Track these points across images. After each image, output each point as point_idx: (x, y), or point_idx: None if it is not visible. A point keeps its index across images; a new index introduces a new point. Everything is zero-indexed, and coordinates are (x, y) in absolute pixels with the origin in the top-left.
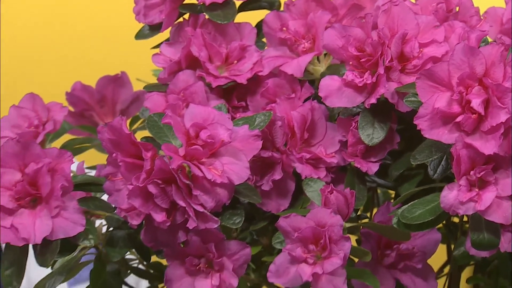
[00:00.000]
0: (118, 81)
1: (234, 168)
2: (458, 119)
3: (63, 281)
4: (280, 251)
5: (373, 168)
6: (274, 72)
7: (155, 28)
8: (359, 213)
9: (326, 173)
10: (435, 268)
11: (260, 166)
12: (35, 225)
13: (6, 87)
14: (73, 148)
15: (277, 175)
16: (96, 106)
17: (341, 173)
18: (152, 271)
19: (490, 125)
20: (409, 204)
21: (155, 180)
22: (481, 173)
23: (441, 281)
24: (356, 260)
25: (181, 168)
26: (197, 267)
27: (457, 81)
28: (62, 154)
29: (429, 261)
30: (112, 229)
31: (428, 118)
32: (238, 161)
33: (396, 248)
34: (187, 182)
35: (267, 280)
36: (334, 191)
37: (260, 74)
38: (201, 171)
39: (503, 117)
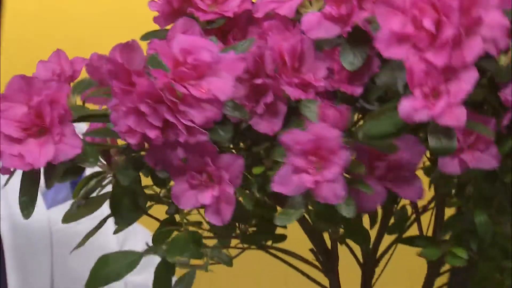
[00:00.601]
0: (130, 47)
1: (219, 86)
2: (412, 38)
3: (88, 214)
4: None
5: (358, 90)
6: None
7: None
8: None
9: (315, 97)
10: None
11: (254, 93)
12: (40, 152)
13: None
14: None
15: (269, 98)
16: None
17: (329, 100)
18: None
19: (440, 41)
20: (372, 120)
21: (146, 100)
22: (434, 84)
23: (428, 214)
24: None
25: (169, 89)
26: (199, 181)
27: (411, 4)
28: (60, 86)
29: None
30: (125, 157)
31: (385, 39)
32: (223, 79)
33: (386, 159)
34: (173, 99)
35: (269, 198)
36: (330, 107)
37: (256, 16)
38: (186, 88)
39: (450, 32)
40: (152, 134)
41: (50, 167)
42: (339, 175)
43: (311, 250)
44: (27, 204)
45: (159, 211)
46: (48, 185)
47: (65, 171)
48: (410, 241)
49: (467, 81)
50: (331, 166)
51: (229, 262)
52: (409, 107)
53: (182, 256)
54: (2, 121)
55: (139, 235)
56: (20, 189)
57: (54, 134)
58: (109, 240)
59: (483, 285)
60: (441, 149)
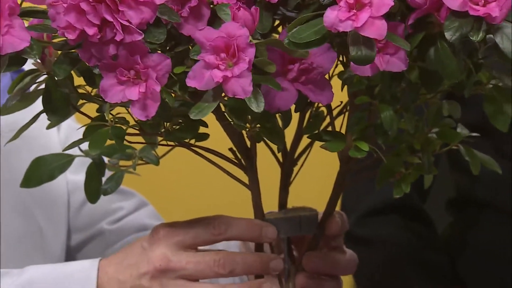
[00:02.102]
0: None
1: None
2: None
3: (22, 108)
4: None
5: None
6: None
7: None
8: None
9: (236, 1)
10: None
11: None
12: None
13: None
14: None
15: (193, 2)
16: None
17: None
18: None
19: None
20: (298, 27)
21: None
22: None
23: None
24: None
25: None
26: (127, 78)
27: None
28: None
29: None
30: (60, 53)
31: None
32: None
33: (298, 63)
34: None
35: (189, 96)
36: (241, 8)
37: None
38: None
39: None
40: (90, 31)
41: None
42: (246, 71)
43: (230, 149)
44: None
45: (92, 110)
46: None
47: (10, 62)
48: (319, 136)
49: None
50: (239, 63)
51: (156, 161)
52: (334, 17)
53: (104, 154)
54: None
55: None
56: None
57: (2, 26)
58: (52, 140)
59: (388, 179)
60: (361, 58)
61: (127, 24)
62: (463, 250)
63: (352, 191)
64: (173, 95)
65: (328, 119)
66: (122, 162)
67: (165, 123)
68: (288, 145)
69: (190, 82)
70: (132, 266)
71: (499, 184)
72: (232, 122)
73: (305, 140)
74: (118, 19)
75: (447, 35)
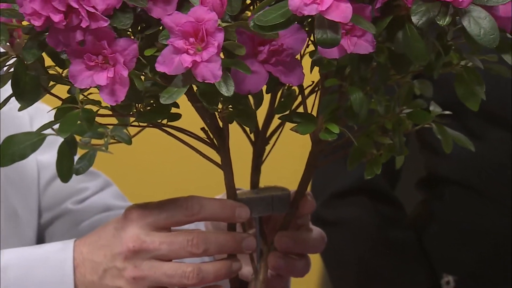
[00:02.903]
0: None
1: None
2: None
3: None
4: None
5: None
6: None
7: None
8: None
9: None
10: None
11: None
12: None
13: None
14: None
15: None
16: None
17: None
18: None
19: None
20: (263, 10)
21: None
22: None
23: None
24: None
25: None
26: (95, 63)
27: None
28: None
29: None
30: (29, 38)
31: None
32: None
33: (268, 45)
34: None
35: (160, 78)
36: None
37: None
38: None
39: None
40: (56, 18)
41: None
42: (215, 55)
43: (202, 129)
44: None
45: (63, 91)
46: None
47: None
48: (290, 118)
49: None
50: (208, 47)
51: (128, 140)
52: (299, 1)
53: (75, 132)
54: None
55: (45, 116)
56: None
57: None
58: (24, 120)
59: (360, 159)
60: (326, 41)
61: (93, 10)
62: (429, 226)
63: (321, 173)
64: (143, 77)
65: (300, 98)
66: (94, 141)
67: (136, 104)
68: (260, 124)
69: (160, 67)
70: (106, 247)
71: (467, 162)
72: (204, 105)
73: (277, 119)
74: (84, 6)
75: (414, 19)
